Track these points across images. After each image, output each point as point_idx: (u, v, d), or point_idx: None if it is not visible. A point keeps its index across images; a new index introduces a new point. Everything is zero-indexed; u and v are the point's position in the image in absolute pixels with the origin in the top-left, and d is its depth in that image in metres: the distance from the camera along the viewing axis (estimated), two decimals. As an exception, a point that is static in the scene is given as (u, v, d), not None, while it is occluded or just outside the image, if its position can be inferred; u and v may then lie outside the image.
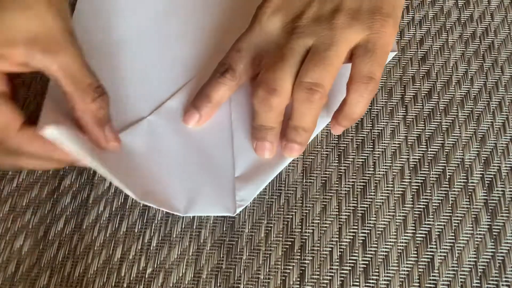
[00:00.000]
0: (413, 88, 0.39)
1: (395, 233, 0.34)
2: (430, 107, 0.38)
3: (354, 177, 0.36)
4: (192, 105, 0.35)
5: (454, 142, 0.37)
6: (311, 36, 0.31)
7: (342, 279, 0.33)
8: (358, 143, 0.37)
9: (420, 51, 0.40)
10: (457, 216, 0.34)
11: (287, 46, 0.32)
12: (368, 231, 0.34)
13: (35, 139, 0.29)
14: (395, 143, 0.37)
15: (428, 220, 0.34)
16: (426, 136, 0.37)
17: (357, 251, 0.33)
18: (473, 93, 0.38)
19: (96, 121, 0.31)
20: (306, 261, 0.33)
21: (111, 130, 0.32)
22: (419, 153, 0.36)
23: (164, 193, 0.34)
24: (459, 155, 0.36)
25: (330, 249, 0.34)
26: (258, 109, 0.33)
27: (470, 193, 0.35)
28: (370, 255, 0.33)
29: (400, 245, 0.34)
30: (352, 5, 0.32)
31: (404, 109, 0.38)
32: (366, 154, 0.36)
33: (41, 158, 0.30)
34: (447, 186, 0.35)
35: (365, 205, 0.35)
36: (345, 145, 0.37)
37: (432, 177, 0.35)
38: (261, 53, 0.33)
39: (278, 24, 0.33)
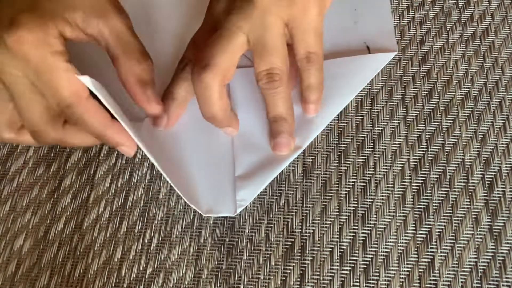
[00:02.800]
0: (413, 88, 0.39)
1: (395, 233, 0.34)
2: (431, 107, 0.38)
3: (355, 177, 0.36)
4: None
5: (454, 142, 0.37)
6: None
7: (343, 279, 0.33)
8: (359, 143, 0.37)
9: (421, 51, 0.40)
10: (458, 216, 0.34)
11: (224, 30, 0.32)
12: (369, 231, 0.34)
13: (99, 110, 0.30)
14: (395, 143, 0.37)
15: (428, 220, 0.34)
16: (427, 136, 0.37)
17: (357, 251, 0.33)
18: (473, 93, 0.38)
19: (140, 82, 0.32)
20: (307, 261, 0.33)
21: (153, 92, 0.33)
22: (419, 153, 0.36)
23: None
24: (460, 155, 0.36)
25: (331, 249, 0.34)
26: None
27: (470, 193, 0.35)
28: (370, 255, 0.33)
29: (400, 245, 0.33)
30: None
31: (404, 109, 0.38)
32: (366, 154, 0.36)
33: (95, 133, 0.31)
34: (448, 186, 0.35)
35: (366, 205, 0.35)
36: (345, 145, 0.37)
37: (433, 177, 0.35)
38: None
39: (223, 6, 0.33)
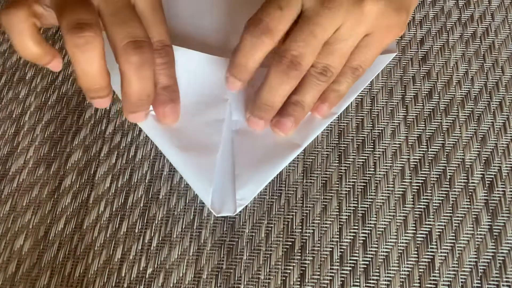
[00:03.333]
0: (413, 88, 0.39)
1: (395, 233, 0.34)
2: (431, 107, 0.38)
3: (355, 177, 0.36)
4: (231, 74, 0.34)
5: (454, 142, 0.37)
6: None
7: (343, 279, 0.33)
8: (359, 143, 0.37)
9: (421, 51, 0.40)
10: (458, 216, 0.34)
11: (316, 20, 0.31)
12: (369, 231, 0.34)
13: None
14: (395, 143, 0.37)
15: (428, 220, 0.34)
16: (427, 136, 0.37)
17: (357, 252, 0.33)
18: (473, 93, 0.38)
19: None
20: (307, 261, 0.33)
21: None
22: (419, 153, 0.36)
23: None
24: (460, 155, 0.36)
25: (331, 249, 0.34)
26: (273, 80, 0.33)
27: (470, 193, 0.35)
28: (370, 256, 0.33)
29: (400, 245, 0.33)
30: None
31: (404, 109, 0.38)
32: (366, 154, 0.36)
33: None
34: (448, 186, 0.35)
35: (366, 205, 0.35)
36: (345, 145, 0.37)
37: (433, 177, 0.35)
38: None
39: None
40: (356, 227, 0.34)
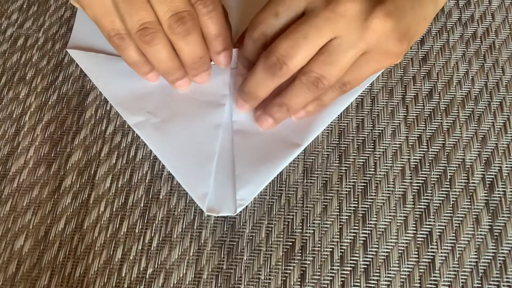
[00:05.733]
0: (414, 88, 0.39)
1: (396, 234, 0.34)
2: (431, 107, 0.38)
3: (355, 177, 0.36)
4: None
5: (455, 143, 0.37)
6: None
7: (343, 279, 0.33)
8: (359, 143, 0.37)
9: (421, 51, 0.40)
10: (458, 217, 0.34)
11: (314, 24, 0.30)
12: (369, 232, 0.34)
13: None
14: (396, 144, 0.37)
15: (429, 221, 0.34)
16: (427, 136, 0.37)
17: (358, 252, 0.33)
18: (474, 93, 0.38)
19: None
20: (307, 262, 0.33)
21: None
22: (420, 153, 0.36)
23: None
24: (460, 155, 0.36)
25: (331, 249, 0.34)
26: (258, 74, 0.32)
27: (471, 194, 0.35)
28: (371, 256, 0.33)
29: (401, 246, 0.33)
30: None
31: (405, 109, 0.38)
32: (367, 155, 0.36)
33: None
34: (448, 186, 0.35)
35: (366, 206, 0.35)
36: (346, 145, 0.37)
37: (433, 178, 0.35)
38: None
39: None
40: (357, 227, 0.34)
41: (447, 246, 0.33)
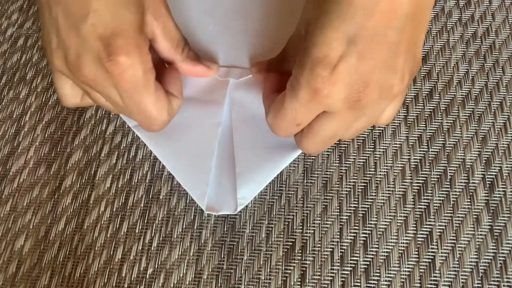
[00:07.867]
0: (414, 88, 0.39)
1: (396, 234, 0.34)
2: (431, 108, 0.38)
3: (355, 177, 0.36)
4: None
5: (455, 143, 0.37)
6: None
7: (343, 279, 0.33)
8: (359, 143, 0.37)
9: (421, 52, 0.40)
10: (458, 217, 0.34)
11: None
12: (369, 232, 0.34)
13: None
14: (396, 144, 0.37)
15: (429, 221, 0.34)
16: (427, 136, 0.37)
17: (358, 252, 0.33)
18: (474, 93, 0.38)
19: (192, 61, 0.34)
20: (307, 262, 0.33)
21: (204, 61, 0.36)
22: (420, 153, 0.36)
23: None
24: (460, 155, 0.36)
25: (331, 249, 0.34)
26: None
27: (471, 194, 0.35)
28: (371, 256, 0.33)
29: (401, 246, 0.33)
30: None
31: (405, 109, 0.38)
32: (367, 155, 0.36)
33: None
34: (448, 186, 0.35)
35: (366, 206, 0.35)
36: (346, 145, 0.37)
37: (433, 178, 0.35)
38: None
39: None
40: (357, 227, 0.34)
41: (447, 246, 0.33)
